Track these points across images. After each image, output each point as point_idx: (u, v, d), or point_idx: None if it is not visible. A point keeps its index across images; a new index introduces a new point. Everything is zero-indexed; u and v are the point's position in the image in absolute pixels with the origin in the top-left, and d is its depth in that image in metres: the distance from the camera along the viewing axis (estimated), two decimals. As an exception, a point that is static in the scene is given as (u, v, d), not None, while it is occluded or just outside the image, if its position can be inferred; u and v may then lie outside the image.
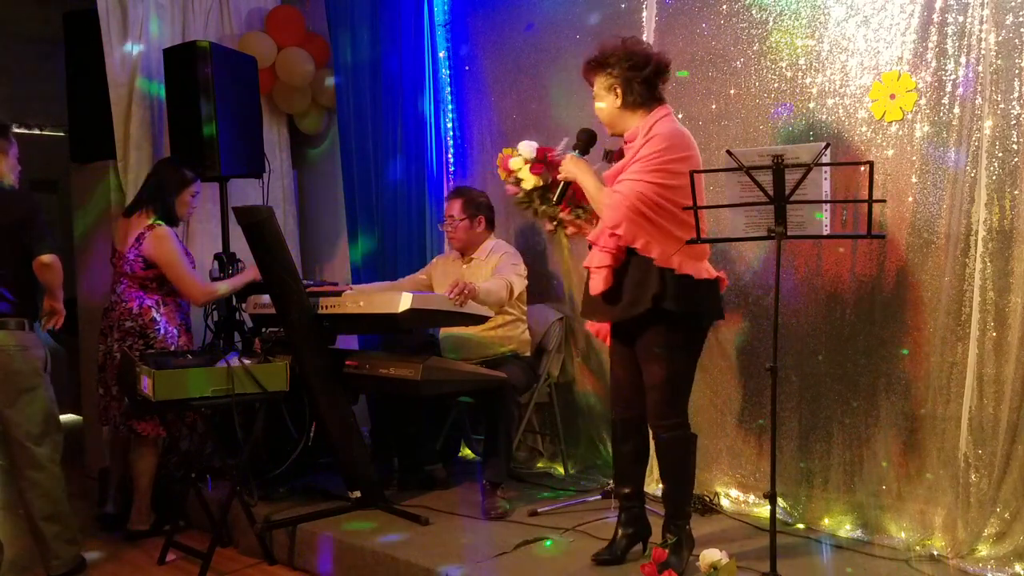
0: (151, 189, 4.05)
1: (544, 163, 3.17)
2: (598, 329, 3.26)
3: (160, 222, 3.96)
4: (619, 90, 2.99)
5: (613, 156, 3.14)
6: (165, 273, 3.95)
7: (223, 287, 4.16)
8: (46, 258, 3.35)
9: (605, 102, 3.04)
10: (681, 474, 3.07)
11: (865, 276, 3.31)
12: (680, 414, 3.05)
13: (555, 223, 3.22)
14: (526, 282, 4.08)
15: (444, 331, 4.18)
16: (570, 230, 3.22)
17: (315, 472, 4.26)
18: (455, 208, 4.14)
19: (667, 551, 2.91)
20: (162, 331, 3.94)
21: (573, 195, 3.14)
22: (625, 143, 3.05)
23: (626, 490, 3.18)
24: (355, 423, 3.87)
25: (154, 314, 3.94)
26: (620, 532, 3.17)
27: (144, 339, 3.90)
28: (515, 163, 3.18)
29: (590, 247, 3.07)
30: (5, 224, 3.34)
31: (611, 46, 3.01)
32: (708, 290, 2.98)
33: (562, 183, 3.12)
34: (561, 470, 4.36)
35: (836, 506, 3.41)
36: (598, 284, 2.98)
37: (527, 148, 3.18)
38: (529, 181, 3.17)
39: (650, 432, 3.13)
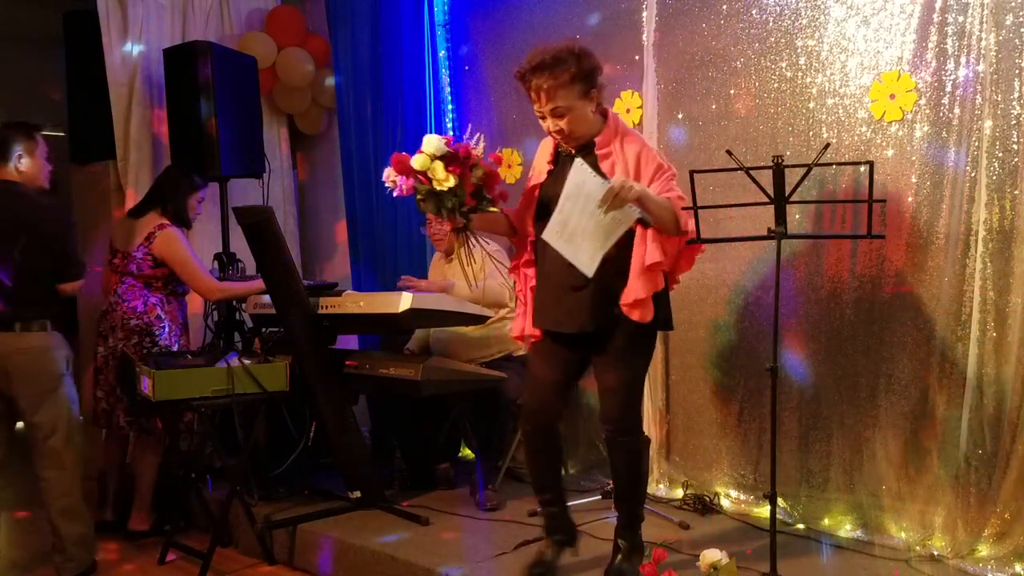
0: (161, 191, 4.09)
1: (459, 160, 2.71)
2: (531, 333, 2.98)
3: (169, 223, 4.00)
4: (595, 94, 2.76)
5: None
6: (178, 271, 3.98)
7: (240, 288, 4.19)
8: (69, 287, 3.52)
9: (584, 110, 2.76)
10: (641, 481, 2.98)
11: (865, 276, 3.31)
12: (640, 419, 2.94)
13: (465, 221, 2.81)
14: (514, 277, 4.06)
15: (435, 332, 4.16)
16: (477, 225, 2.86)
17: (315, 472, 4.26)
18: None
19: (646, 556, 2.86)
20: (167, 329, 3.98)
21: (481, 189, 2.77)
22: (598, 151, 2.80)
23: (547, 496, 3.05)
24: (355, 423, 3.88)
25: (159, 311, 3.97)
26: (550, 541, 3.02)
27: (150, 337, 3.92)
28: (420, 161, 2.75)
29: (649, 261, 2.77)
30: (37, 235, 3.38)
31: (569, 48, 2.73)
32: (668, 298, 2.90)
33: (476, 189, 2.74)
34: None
35: (836, 506, 3.41)
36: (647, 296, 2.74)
37: (435, 143, 2.71)
38: (447, 180, 2.72)
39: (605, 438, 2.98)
